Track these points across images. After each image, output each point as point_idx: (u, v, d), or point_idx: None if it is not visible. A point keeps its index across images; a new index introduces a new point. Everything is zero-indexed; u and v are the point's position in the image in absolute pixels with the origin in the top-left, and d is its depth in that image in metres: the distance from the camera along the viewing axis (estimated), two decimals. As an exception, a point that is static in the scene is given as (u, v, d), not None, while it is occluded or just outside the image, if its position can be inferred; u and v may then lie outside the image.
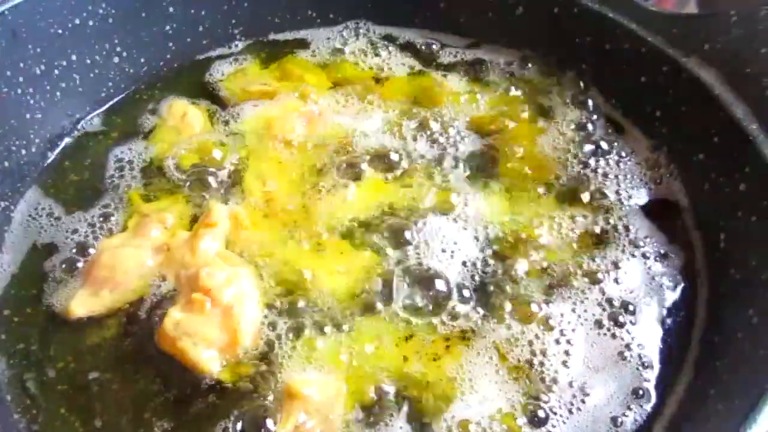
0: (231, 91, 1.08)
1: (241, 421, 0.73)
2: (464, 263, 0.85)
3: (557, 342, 0.79)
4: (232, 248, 0.87)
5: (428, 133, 1.00)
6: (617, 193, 0.93)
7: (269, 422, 0.73)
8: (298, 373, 0.76)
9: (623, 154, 0.98)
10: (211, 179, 0.95)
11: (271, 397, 0.75)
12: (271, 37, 1.18)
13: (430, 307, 0.81)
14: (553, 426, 0.73)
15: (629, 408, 0.75)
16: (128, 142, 1.02)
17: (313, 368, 0.76)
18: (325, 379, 0.75)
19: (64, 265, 0.87)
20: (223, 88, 1.08)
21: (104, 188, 0.95)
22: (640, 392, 0.76)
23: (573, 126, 1.01)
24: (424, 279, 0.83)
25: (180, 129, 1.02)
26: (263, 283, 0.83)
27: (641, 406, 0.76)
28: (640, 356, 0.79)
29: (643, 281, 0.85)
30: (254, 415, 0.73)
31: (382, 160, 0.97)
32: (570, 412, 0.74)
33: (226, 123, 1.03)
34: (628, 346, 0.79)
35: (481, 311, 0.81)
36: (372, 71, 1.11)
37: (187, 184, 0.95)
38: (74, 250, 0.88)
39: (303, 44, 1.16)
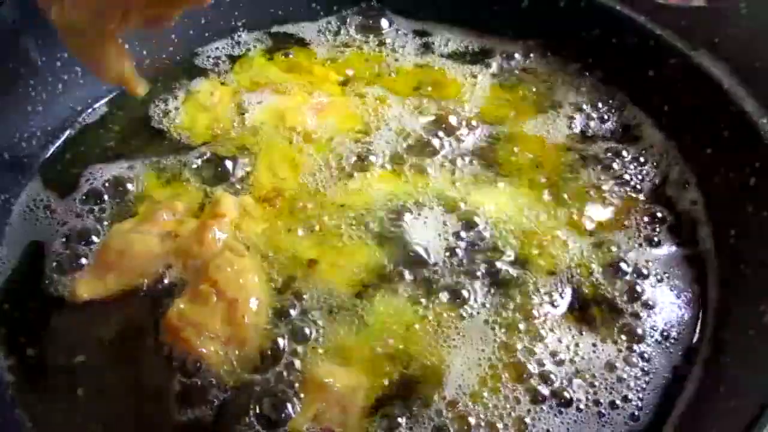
0: (238, 84, 1.07)
1: (252, 413, 0.73)
2: (474, 260, 0.84)
3: (558, 340, 0.78)
4: (240, 239, 0.86)
5: (435, 124, 0.99)
6: (624, 186, 0.92)
7: (284, 413, 0.72)
8: (307, 364, 0.75)
9: (631, 148, 0.97)
10: (221, 169, 0.95)
11: (281, 389, 0.74)
12: (275, 29, 1.17)
13: (439, 298, 0.80)
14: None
15: (638, 400, 0.74)
16: (129, 134, 1.01)
17: (323, 360, 0.76)
18: (346, 370, 0.75)
19: (65, 257, 0.86)
20: (227, 81, 1.08)
21: (106, 180, 0.94)
22: (649, 388, 0.75)
23: (580, 120, 1.00)
24: (430, 272, 0.83)
25: (205, 107, 1.03)
26: (271, 275, 0.83)
27: (649, 403, 0.74)
28: (643, 354, 0.77)
29: (650, 276, 0.84)
30: (267, 407, 0.73)
31: (390, 151, 0.96)
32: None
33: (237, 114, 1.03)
34: (634, 332, 0.79)
35: (487, 307, 0.80)
36: (378, 62, 1.10)
37: (198, 171, 0.95)
38: (75, 242, 0.87)
39: (308, 36, 1.15)
